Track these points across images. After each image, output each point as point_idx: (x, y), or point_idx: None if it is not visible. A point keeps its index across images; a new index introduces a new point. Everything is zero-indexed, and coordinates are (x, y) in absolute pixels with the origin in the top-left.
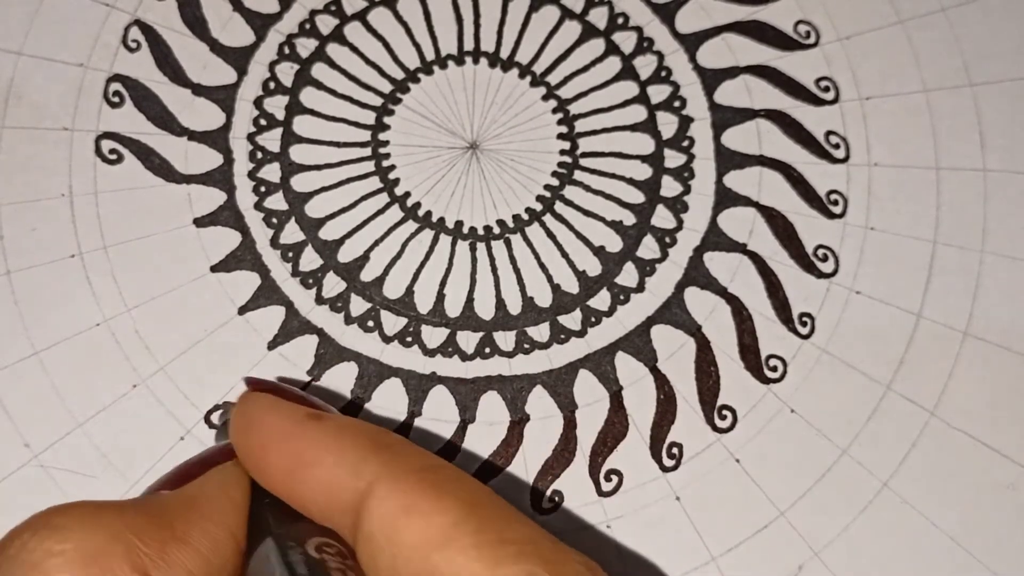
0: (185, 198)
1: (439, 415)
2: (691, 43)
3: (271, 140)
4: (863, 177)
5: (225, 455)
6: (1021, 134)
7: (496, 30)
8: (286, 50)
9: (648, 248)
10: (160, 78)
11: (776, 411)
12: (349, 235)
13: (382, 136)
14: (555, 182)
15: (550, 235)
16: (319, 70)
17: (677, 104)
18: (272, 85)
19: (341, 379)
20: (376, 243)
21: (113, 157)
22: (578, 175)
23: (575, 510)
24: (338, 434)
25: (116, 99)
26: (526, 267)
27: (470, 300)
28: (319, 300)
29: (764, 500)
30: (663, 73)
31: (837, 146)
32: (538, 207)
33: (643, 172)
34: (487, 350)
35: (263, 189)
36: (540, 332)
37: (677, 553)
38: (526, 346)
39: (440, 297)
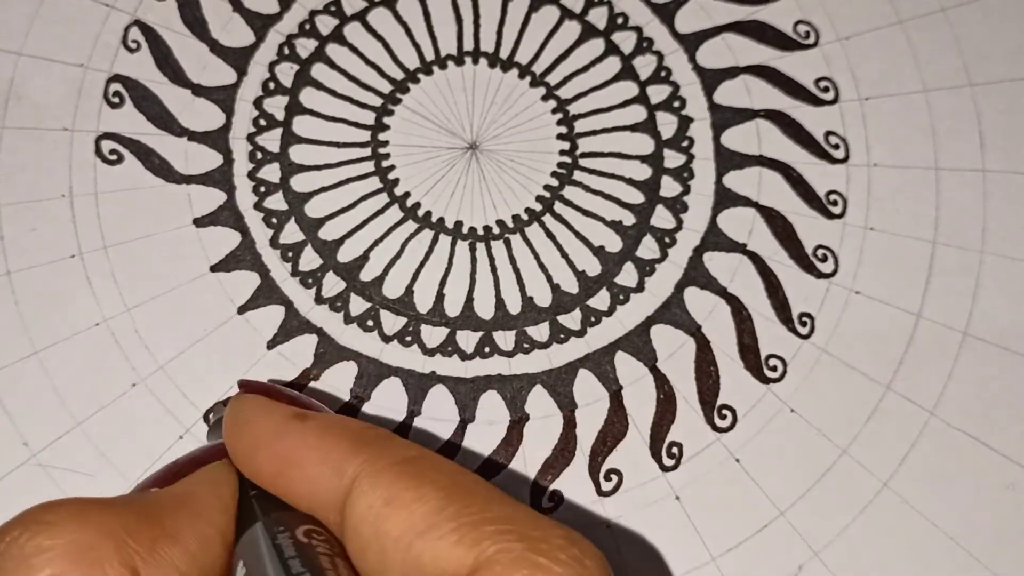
0: (185, 198)
1: (439, 414)
2: (691, 43)
3: (271, 140)
4: (863, 177)
5: (215, 455)
6: (1021, 134)
7: (496, 30)
8: (286, 50)
9: (648, 248)
10: (160, 78)
11: (776, 411)
12: (349, 235)
13: (382, 136)
14: (555, 182)
15: (550, 235)
16: (319, 70)
17: (677, 104)
18: (272, 85)
19: (341, 378)
20: (376, 243)
21: (113, 157)
22: (578, 175)
23: (575, 510)
24: (322, 434)
25: (116, 99)
26: (526, 267)
27: (470, 300)
28: (319, 300)
29: (764, 500)
30: (663, 73)
31: (837, 146)
32: (538, 207)
33: (643, 172)
34: (487, 349)
35: (263, 189)
36: (540, 332)
37: (677, 553)
38: (526, 346)
39: (440, 297)
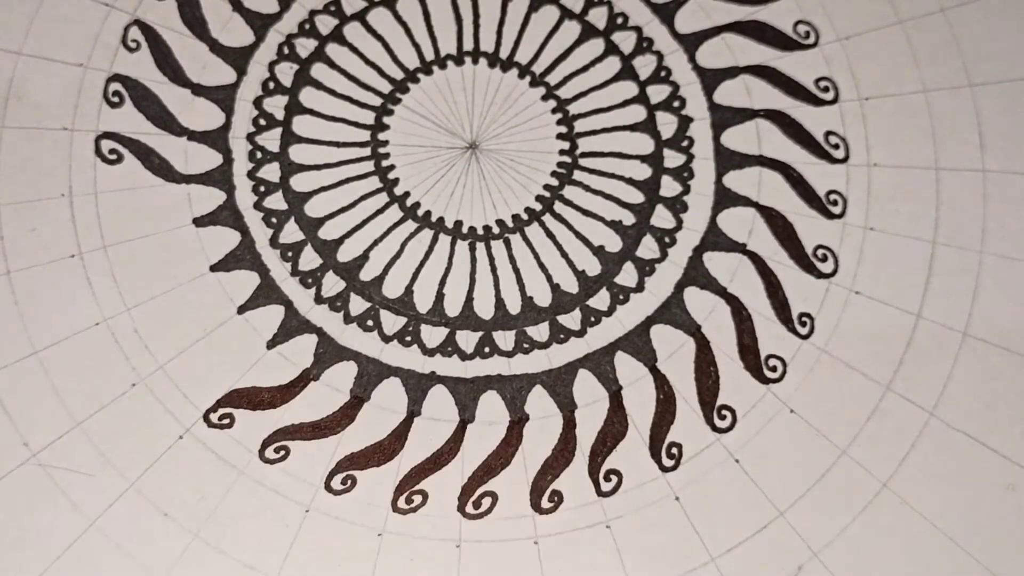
0: (185, 198)
1: (438, 414)
2: (691, 43)
3: (271, 140)
4: (862, 177)
5: None
6: (1021, 134)
7: (495, 30)
8: (286, 50)
9: (648, 248)
10: (160, 78)
11: (775, 411)
12: (348, 235)
13: (381, 136)
14: (554, 182)
15: (549, 235)
16: (319, 70)
17: (676, 104)
18: (272, 85)
19: (340, 378)
20: (375, 243)
21: (113, 157)
22: (577, 175)
23: (575, 510)
24: None
25: (116, 99)
26: (525, 267)
27: (469, 300)
28: (318, 299)
29: (764, 500)
30: (663, 73)
31: (836, 146)
32: (537, 207)
33: (643, 172)
34: (486, 349)
35: (263, 189)
36: (539, 332)
37: (677, 553)
38: (525, 346)
39: (439, 296)
